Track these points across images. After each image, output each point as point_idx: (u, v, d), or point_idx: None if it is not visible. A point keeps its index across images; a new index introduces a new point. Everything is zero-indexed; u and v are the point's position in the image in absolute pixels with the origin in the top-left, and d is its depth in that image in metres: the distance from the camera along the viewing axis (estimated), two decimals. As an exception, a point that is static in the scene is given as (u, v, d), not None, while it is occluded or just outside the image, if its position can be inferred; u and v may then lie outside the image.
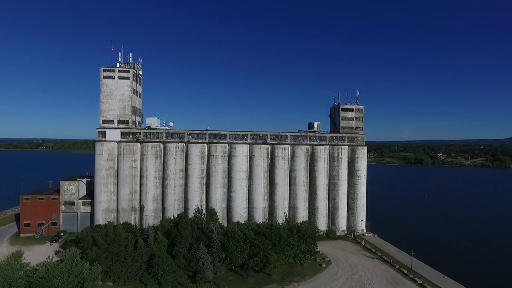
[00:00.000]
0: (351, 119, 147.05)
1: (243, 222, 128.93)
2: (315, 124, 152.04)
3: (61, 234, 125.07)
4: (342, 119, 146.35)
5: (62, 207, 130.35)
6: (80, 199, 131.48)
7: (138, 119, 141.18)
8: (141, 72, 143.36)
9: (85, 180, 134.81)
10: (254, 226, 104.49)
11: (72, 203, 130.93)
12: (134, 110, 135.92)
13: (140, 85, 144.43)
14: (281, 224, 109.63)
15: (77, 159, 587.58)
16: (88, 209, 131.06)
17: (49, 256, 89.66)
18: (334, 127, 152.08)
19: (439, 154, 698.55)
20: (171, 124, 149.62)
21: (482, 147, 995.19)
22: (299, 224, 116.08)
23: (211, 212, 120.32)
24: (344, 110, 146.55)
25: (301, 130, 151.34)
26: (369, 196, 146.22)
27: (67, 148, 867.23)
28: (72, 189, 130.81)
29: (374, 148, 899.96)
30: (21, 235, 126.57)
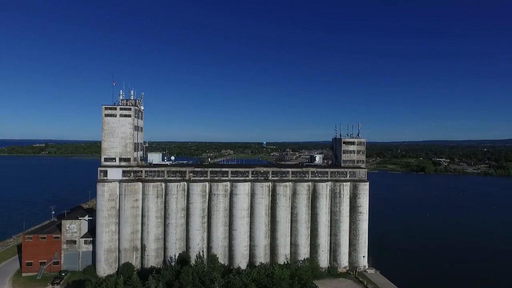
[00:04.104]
0: (352, 152, 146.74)
1: (245, 261, 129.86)
2: (317, 158, 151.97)
3: (63, 274, 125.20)
4: (344, 152, 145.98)
5: (64, 246, 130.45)
6: (82, 237, 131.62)
7: (140, 153, 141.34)
8: (142, 108, 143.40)
9: (86, 217, 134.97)
10: (255, 275, 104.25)
11: (74, 242, 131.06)
12: (136, 146, 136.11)
13: (142, 119, 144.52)
14: (282, 270, 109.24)
15: (80, 166, 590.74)
16: (90, 247, 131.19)
17: None
18: (336, 159, 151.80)
19: (442, 160, 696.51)
20: (172, 158, 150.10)
21: (485, 149, 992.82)
22: (300, 268, 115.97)
23: (212, 259, 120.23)
24: (346, 143, 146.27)
25: (303, 163, 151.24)
26: (371, 214, 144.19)
27: (70, 153, 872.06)
28: (74, 228, 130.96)
29: (377, 152, 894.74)
30: (23, 274, 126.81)
